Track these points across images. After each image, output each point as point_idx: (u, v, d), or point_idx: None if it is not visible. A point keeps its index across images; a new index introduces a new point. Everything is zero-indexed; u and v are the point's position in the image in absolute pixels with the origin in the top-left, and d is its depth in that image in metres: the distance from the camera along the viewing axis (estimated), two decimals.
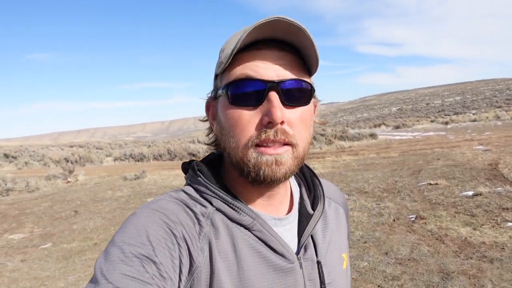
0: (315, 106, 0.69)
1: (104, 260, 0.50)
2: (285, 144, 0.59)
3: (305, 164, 0.78)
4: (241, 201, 0.64)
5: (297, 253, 0.66)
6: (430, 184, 7.09)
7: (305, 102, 0.61)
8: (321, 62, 0.62)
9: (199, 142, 25.79)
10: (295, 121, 0.60)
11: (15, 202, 9.36)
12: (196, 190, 0.65)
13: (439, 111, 65.10)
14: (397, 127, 36.12)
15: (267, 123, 0.58)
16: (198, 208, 0.61)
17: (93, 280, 0.49)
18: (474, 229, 4.49)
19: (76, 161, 18.39)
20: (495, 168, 7.96)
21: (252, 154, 0.59)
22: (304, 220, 0.69)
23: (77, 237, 5.80)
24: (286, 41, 0.61)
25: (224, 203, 0.62)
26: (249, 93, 0.59)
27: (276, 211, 0.68)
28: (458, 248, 3.94)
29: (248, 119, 0.59)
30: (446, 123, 34.32)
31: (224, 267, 0.58)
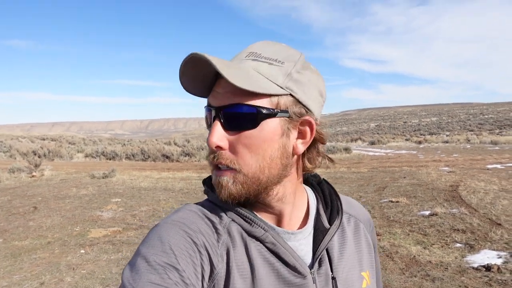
0: (302, 130, 0.66)
1: (130, 271, 0.54)
2: (229, 168, 0.62)
3: (325, 180, 0.79)
4: (254, 214, 0.66)
5: (311, 267, 0.67)
6: (392, 201, 7.28)
7: (248, 126, 0.60)
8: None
9: (175, 144, 25.53)
10: (237, 146, 0.61)
11: None
12: (212, 203, 0.68)
13: (415, 130, 66.91)
14: (372, 143, 36.88)
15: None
16: (215, 219, 0.65)
17: None
18: (424, 248, 4.63)
19: (44, 155, 17.85)
20: (455, 190, 8.24)
21: (213, 173, 0.65)
22: (319, 234, 0.70)
23: (31, 235, 5.62)
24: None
25: (237, 215, 0.65)
26: (207, 119, 0.65)
27: (290, 226, 0.69)
28: (405, 265, 4.06)
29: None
30: (420, 142, 35.30)
31: (239, 275, 0.61)
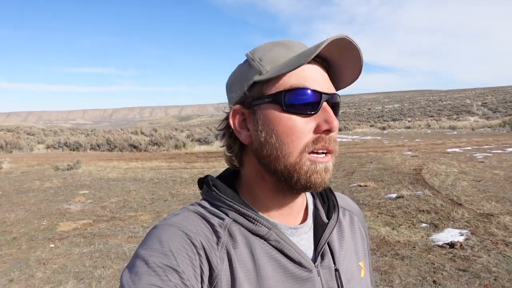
0: None
1: (130, 273, 0.54)
2: (330, 151, 0.64)
3: None
4: (256, 212, 0.66)
5: (314, 261, 0.68)
6: (360, 185, 7.54)
7: (337, 113, 0.67)
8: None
9: (142, 133, 24.93)
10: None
11: None
12: (212, 204, 0.66)
13: (379, 117, 69.04)
14: (339, 130, 37.75)
15: (324, 130, 0.62)
16: (215, 220, 0.63)
17: None
18: (393, 229, 4.86)
19: (1, 147, 16.88)
20: (418, 173, 8.66)
21: (306, 162, 0.61)
22: (319, 229, 0.71)
23: None
24: (324, 58, 0.66)
25: (240, 215, 0.64)
26: (306, 103, 0.62)
27: (293, 221, 0.69)
28: (376, 246, 4.25)
29: (303, 127, 0.62)
30: (384, 128, 36.56)
31: (243, 275, 0.60)
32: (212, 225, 0.63)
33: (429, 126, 34.42)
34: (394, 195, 6.55)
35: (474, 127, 29.72)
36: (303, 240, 0.69)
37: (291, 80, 0.63)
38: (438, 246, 4.16)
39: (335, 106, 0.66)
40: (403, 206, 5.85)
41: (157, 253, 0.55)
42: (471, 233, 4.46)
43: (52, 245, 4.68)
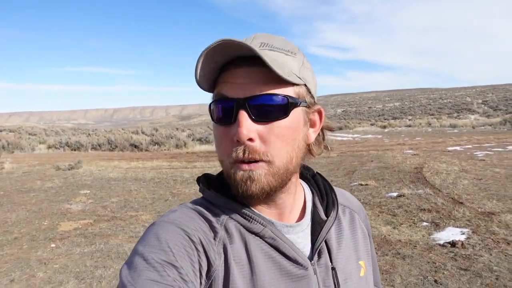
0: (313, 119, 0.68)
1: (129, 269, 0.54)
2: (260, 160, 0.60)
3: (319, 173, 0.79)
4: (252, 209, 0.66)
5: (311, 259, 0.67)
6: (361, 184, 7.53)
7: (280, 116, 0.60)
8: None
9: (143, 133, 24.95)
10: (269, 137, 0.60)
11: None
12: (208, 201, 0.68)
13: (379, 115, 68.98)
14: (340, 128, 37.76)
15: (236, 141, 0.59)
16: (212, 217, 0.64)
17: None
18: (394, 228, 4.85)
19: (3, 147, 16.90)
20: (419, 172, 8.65)
21: (231, 170, 0.61)
22: (317, 226, 0.71)
23: None
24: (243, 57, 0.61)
25: (235, 212, 0.65)
26: (223, 112, 0.61)
27: (287, 219, 0.69)
28: (377, 245, 4.24)
29: (223, 137, 0.62)
30: (384, 127, 36.53)
31: (238, 271, 0.61)
32: (209, 221, 0.63)
33: (430, 124, 34.38)
34: (395, 194, 6.54)
35: (474, 125, 29.67)
36: (300, 238, 0.69)
37: (216, 90, 0.64)
38: (439, 245, 4.15)
39: (259, 109, 0.59)
40: (404, 205, 5.84)
41: (155, 249, 0.56)
42: (473, 232, 4.45)
43: (53, 245, 4.69)
